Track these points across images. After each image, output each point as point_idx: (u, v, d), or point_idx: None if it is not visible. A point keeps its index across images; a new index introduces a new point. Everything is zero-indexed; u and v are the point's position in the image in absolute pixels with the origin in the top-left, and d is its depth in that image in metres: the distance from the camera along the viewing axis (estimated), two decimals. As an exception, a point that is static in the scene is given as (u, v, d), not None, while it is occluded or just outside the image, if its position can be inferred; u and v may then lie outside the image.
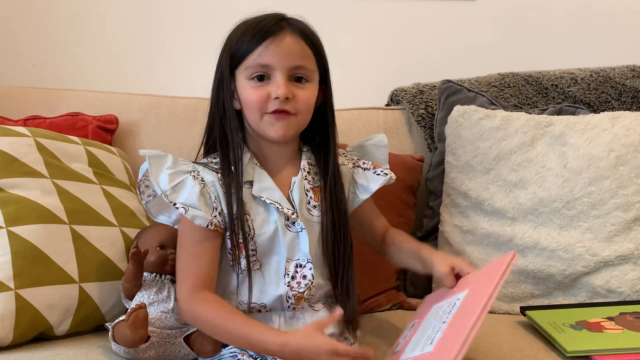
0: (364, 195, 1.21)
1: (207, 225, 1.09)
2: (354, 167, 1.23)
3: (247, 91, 1.12)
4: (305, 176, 1.17)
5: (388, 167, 1.25)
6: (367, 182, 1.21)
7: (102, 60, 2.06)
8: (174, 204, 1.09)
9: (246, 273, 1.12)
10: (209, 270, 1.11)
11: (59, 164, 1.34)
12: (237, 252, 1.11)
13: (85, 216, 1.30)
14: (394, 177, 1.23)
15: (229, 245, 1.12)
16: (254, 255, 1.12)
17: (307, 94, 1.12)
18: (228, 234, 1.11)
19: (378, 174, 1.21)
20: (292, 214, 1.12)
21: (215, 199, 1.11)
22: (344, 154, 1.25)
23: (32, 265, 1.18)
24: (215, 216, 1.10)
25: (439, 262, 1.12)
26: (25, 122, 1.54)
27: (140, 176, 1.14)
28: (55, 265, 1.21)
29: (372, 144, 1.27)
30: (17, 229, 1.20)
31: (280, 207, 1.12)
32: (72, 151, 1.39)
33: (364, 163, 1.23)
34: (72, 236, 1.25)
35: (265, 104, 1.10)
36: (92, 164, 1.41)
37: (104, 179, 1.40)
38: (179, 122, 1.69)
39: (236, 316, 1.07)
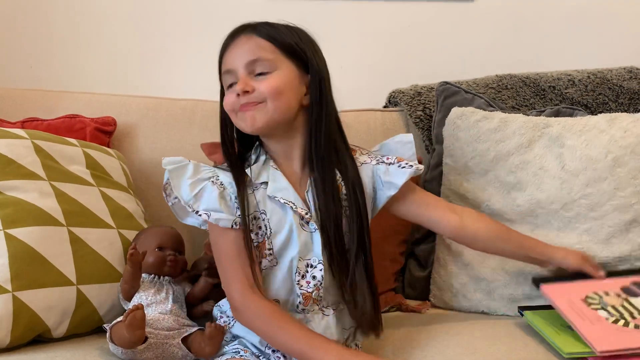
0: (390, 192, 1.20)
1: (232, 226, 1.12)
2: (377, 163, 1.22)
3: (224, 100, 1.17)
4: None
5: (416, 162, 1.23)
6: (392, 177, 1.20)
7: (100, 62, 2.06)
8: (197, 212, 1.12)
9: (266, 270, 1.15)
10: (252, 265, 1.12)
11: (57, 166, 1.34)
12: (257, 251, 1.14)
13: (83, 218, 1.29)
14: (421, 167, 1.22)
15: (253, 244, 1.14)
16: (271, 253, 1.14)
17: (269, 82, 1.12)
18: (252, 232, 1.14)
19: (403, 167, 1.20)
20: (306, 214, 1.14)
21: (236, 199, 1.14)
22: (367, 153, 1.26)
23: (30, 268, 1.18)
24: (238, 215, 1.12)
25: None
26: (23, 124, 1.54)
27: (165, 180, 1.17)
28: (52, 267, 1.20)
29: (396, 142, 1.27)
30: (14, 231, 1.20)
31: (294, 207, 1.13)
32: (70, 153, 1.39)
33: (387, 158, 1.22)
34: (70, 238, 1.25)
35: (234, 104, 1.14)
36: (89, 166, 1.41)
37: (101, 181, 1.40)
38: (177, 123, 1.69)
39: (289, 326, 1.08)
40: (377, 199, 1.22)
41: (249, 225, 1.12)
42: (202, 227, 1.21)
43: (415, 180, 1.59)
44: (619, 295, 1.23)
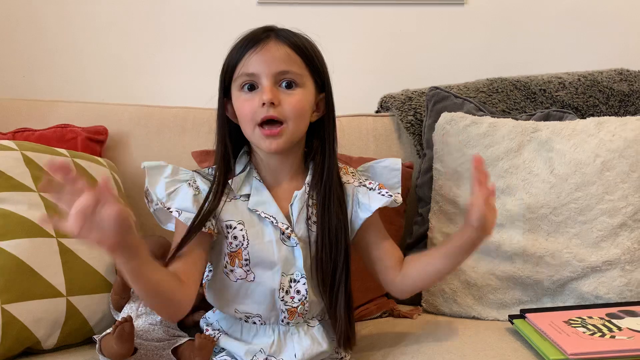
0: (364, 214, 1.18)
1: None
2: (359, 185, 1.21)
3: (239, 103, 1.13)
4: (309, 191, 1.17)
5: (399, 191, 1.22)
6: (369, 200, 1.18)
7: (93, 71, 2.06)
8: (169, 209, 1.11)
9: (242, 282, 1.13)
10: (186, 267, 1.09)
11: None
12: (228, 259, 1.13)
13: (73, 229, 1.30)
14: (399, 200, 1.20)
15: (226, 250, 1.13)
16: (247, 265, 1.13)
17: (296, 99, 1.10)
18: (227, 239, 1.13)
19: (382, 195, 1.18)
20: (287, 228, 1.13)
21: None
22: (352, 172, 1.24)
23: (19, 280, 1.19)
24: (209, 220, 1.11)
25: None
26: (14, 134, 1.54)
27: (146, 185, 1.16)
28: (42, 279, 1.21)
29: (384, 166, 1.25)
30: (3, 244, 1.20)
31: (274, 222, 1.12)
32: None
33: (370, 183, 1.21)
34: (60, 249, 1.25)
35: (256, 113, 1.10)
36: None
37: (92, 191, 1.41)
38: (168, 131, 1.69)
39: None
40: (353, 221, 1.20)
41: (200, 225, 1.10)
42: None
43: (406, 185, 1.61)
44: (602, 318, 1.24)
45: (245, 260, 1.13)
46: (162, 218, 1.19)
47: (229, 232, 1.13)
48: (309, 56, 1.14)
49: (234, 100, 1.15)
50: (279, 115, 1.10)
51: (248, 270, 1.13)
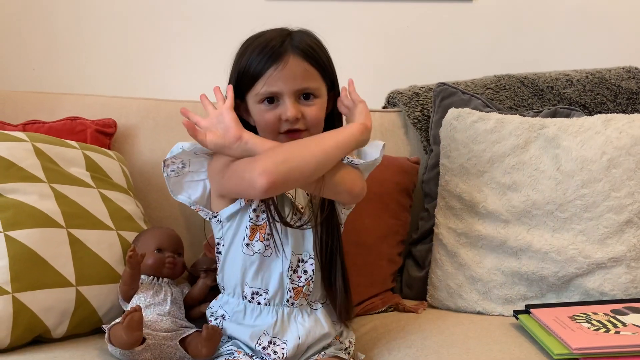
0: None
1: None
2: None
3: (259, 114, 1.18)
4: None
5: (371, 159, 1.21)
6: None
7: (102, 64, 2.07)
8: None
9: (257, 256, 1.17)
10: None
11: (57, 169, 1.36)
12: (249, 232, 1.17)
13: (83, 220, 1.31)
14: (356, 162, 1.19)
15: (248, 223, 1.16)
16: (268, 239, 1.17)
17: (316, 110, 1.17)
18: (254, 212, 1.17)
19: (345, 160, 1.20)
20: (301, 208, 1.19)
21: None
22: None
23: (30, 269, 1.20)
24: None
25: None
26: (25, 126, 1.55)
27: (168, 155, 1.20)
28: (52, 268, 1.22)
29: (370, 144, 1.27)
30: (14, 233, 1.21)
31: (293, 199, 1.18)
32: (70, 155, 1.40)
33: (346, 158, 1.23)
34: (69, 240, 1.27)
35: (278, 125, 1.16)
36: (89, 168, 1.42)
37: (101, 183, 1.42)
38: (176, 125, 1.69)
39: (307, 140, 1.14)
40: None
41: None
42: (192, 207, 1.23)
43: (413, 180, 1.62)
44: (606, 314, 1.25)
45: (268, 234, 1.16)
46: (174, 188, 1.22)
47: (259, 205, 1.17)
48: (324, 66, 1.19)
49: (251, 107, 1.19)
50: (302, 127, 1.17)
51: (267, 245, 1.17)
